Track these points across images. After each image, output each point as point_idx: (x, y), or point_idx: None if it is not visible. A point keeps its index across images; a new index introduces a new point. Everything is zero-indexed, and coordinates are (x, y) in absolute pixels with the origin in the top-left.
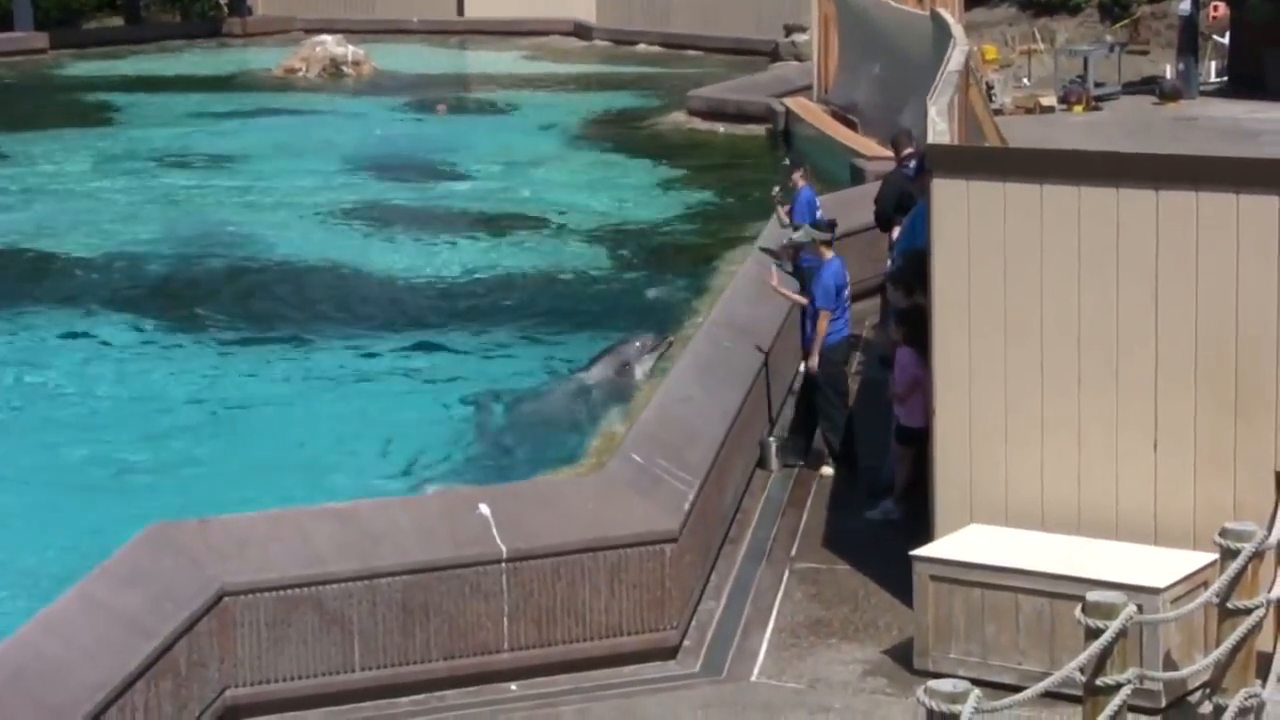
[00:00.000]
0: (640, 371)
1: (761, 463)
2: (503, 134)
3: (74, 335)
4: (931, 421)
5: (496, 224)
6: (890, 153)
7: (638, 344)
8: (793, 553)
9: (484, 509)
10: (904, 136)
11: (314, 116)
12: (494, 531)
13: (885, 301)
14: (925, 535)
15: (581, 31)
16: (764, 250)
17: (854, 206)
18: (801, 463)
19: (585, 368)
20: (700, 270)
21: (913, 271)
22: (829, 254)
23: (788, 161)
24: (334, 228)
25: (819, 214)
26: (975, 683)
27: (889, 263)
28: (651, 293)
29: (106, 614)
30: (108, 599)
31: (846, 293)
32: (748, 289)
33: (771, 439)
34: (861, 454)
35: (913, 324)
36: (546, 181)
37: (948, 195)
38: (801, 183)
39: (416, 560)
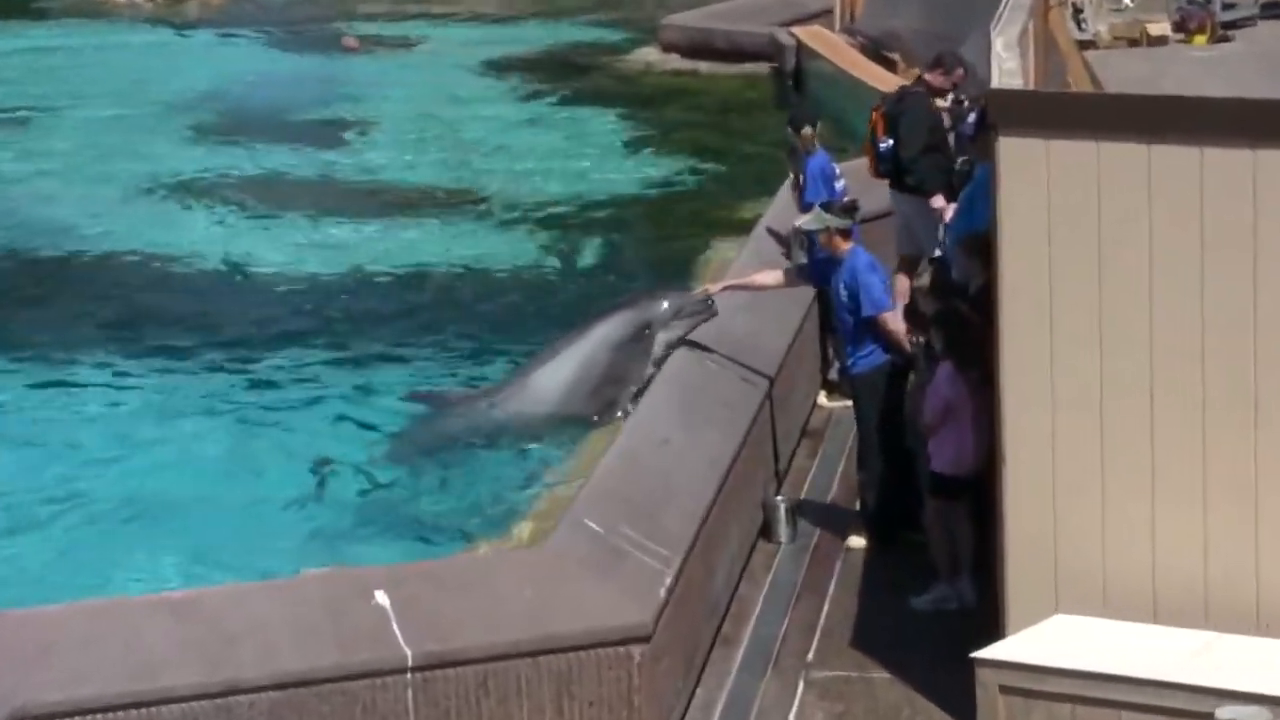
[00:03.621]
0: (663, 338)
1: (766, 532)
2: (417, 79)
3: None
4: (1000, 470)
5: (410, 201)
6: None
7: (666, 299)
8: (810, 657)
9: (381, 597)
10: (950, 56)
11: (156, 56)
12: (395, 628)
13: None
14: (993, 630)
15: None
16: (770, 233)
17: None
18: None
19: (588, 323)
20: (682, 264)
21: (961, 270)
22: (845, 246)
23: (791, 119)
24: (187, 207)
25: (839, 186)
26: None
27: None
28: (617, 295)
29: None
30: None
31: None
32: (746, 291)
33: (780, 499)
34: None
35: (950, 330)
36: (477, 143)
37: (1020, 160)
38: (813, 145)
39: (288, 670)
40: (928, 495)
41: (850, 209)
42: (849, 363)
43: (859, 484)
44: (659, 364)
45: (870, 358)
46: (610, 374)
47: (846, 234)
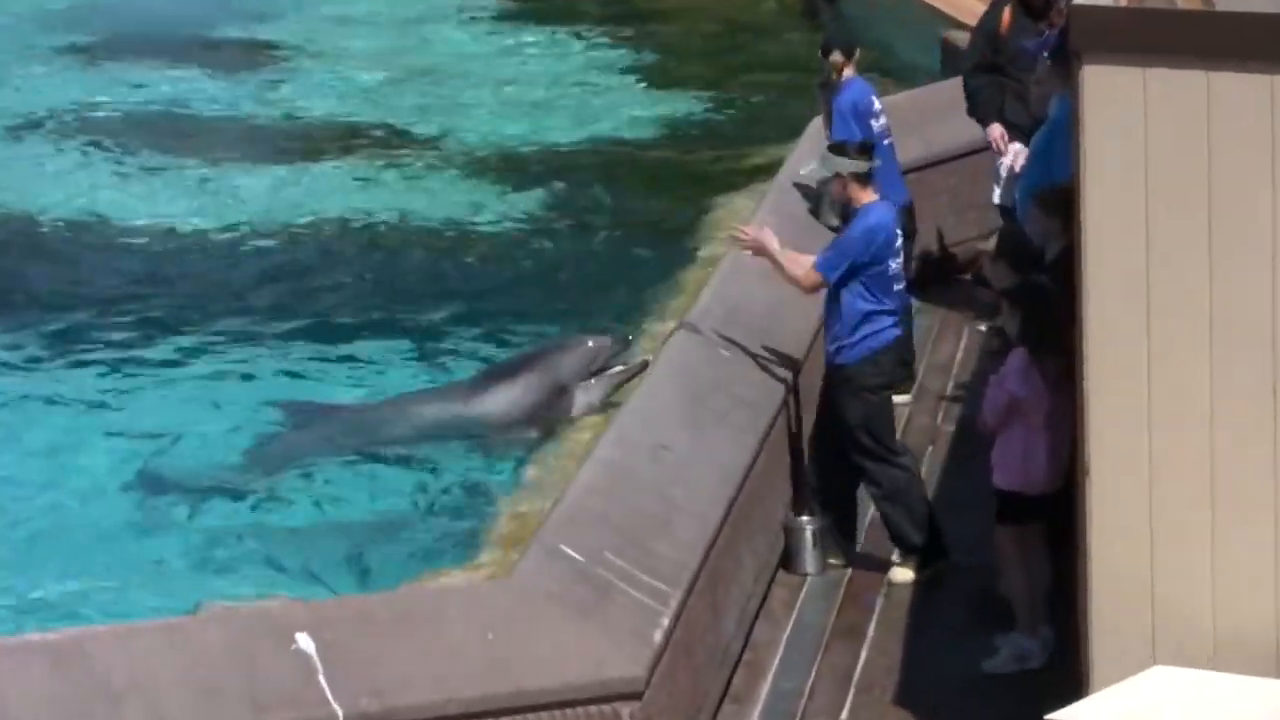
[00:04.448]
0: (583, 402)
1: (788, 561)
2: None
3: None
4: (1082, 487)
5: (352, 146)
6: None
7: (581, 351)
8: (843, 716)
9: (304, 641)
10: None
11: None
12: (321, 680)
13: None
14: (1073, 685)
15: None
16: (796, 186)
17: (945, 114)
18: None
19: (485, 389)
20: (687, 225)
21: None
22: (865, 195)
23: (823, 44)
24: (57, 149)
25: (878, 126)
26: None
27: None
28: (608, 266)
29: None
30: None
31: (897, 263)
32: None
33: (805, 521)
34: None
35: (1027, 308)
36: (430, 73)
37: (1110, 93)
38: (846, 73)
39: None
40: (997, 522)
41: (866, 149)
42: (832, 348)
43: (874, 499)
44: None
45: (864, 343)
46: None
47: (865, 179)
